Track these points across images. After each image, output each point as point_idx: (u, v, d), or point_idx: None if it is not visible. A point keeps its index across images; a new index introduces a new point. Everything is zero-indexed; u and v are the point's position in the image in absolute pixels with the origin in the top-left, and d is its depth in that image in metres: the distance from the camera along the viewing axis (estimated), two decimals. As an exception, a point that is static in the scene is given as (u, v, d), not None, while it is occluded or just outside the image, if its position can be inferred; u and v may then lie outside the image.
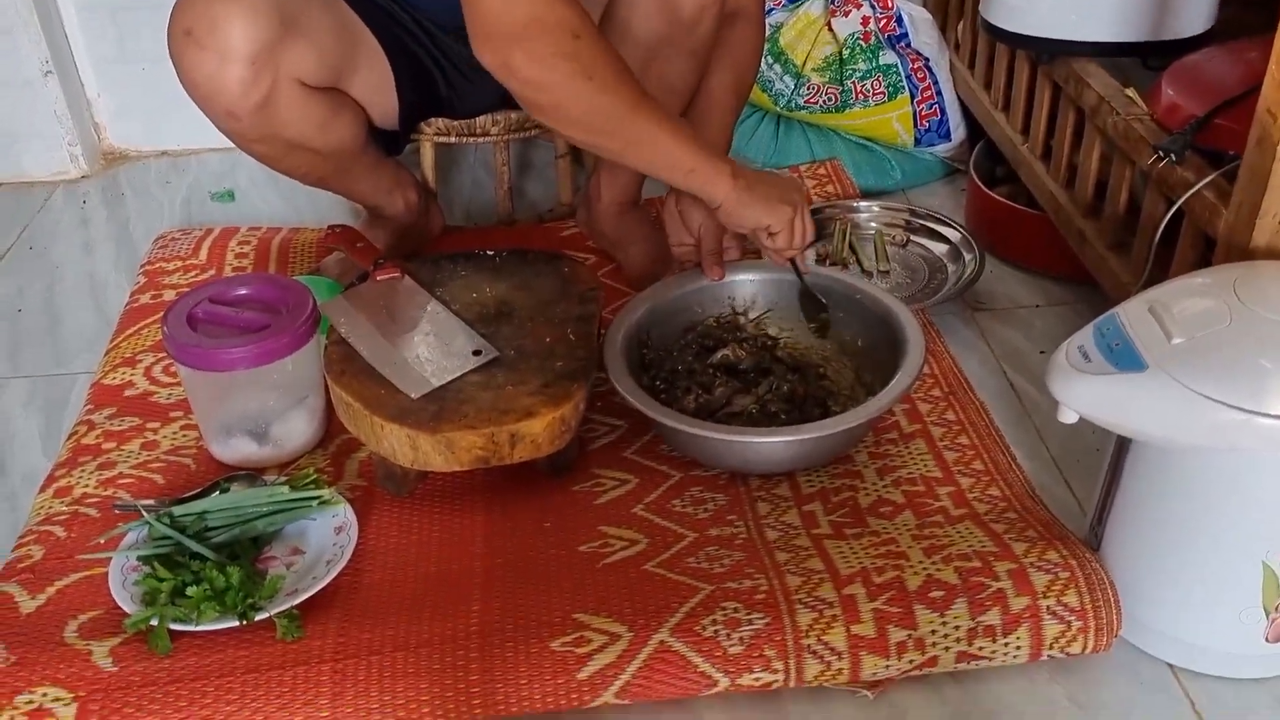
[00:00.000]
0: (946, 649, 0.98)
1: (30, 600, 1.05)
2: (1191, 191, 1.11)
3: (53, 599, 1.05)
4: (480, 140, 1.58)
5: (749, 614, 0.99)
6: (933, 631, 0.98)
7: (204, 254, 1.58)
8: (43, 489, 1.19)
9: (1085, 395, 0.93)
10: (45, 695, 0.94)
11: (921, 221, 1.57)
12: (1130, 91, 1.32)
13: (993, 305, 1.49)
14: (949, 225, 1.55)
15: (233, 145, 1.32)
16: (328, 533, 1.09)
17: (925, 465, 1.18)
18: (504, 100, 1.49)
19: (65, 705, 0.93)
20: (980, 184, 1.60)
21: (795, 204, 1.21)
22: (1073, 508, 1.16)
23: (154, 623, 0.98)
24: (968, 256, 1.50)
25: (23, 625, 1.02)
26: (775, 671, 0.96)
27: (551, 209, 1.71)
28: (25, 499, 1.20)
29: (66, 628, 1.01)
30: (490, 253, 1.32)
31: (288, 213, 1.77)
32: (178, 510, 1.09)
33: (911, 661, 0.98)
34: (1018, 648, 0.98)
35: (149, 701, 0.94)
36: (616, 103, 1.09)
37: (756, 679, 0.96)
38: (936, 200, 1.73)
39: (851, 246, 1.55)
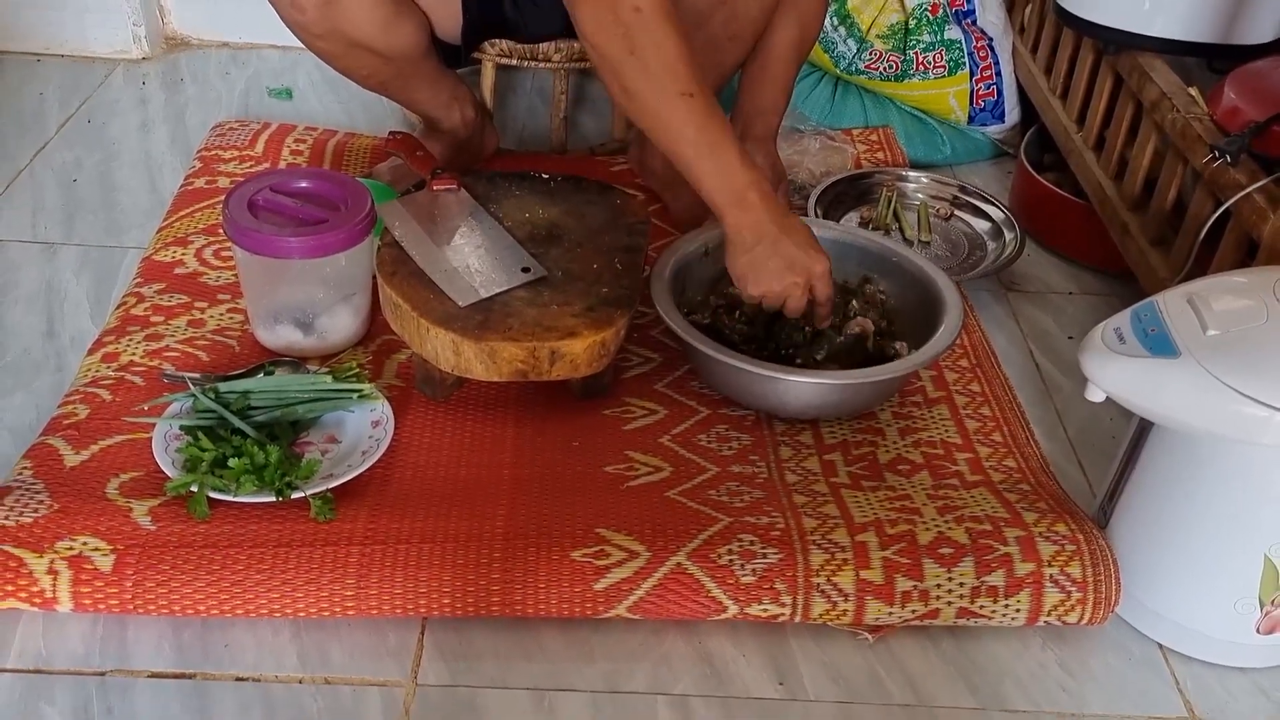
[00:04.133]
0: (949, 604, 1.01)
1: (74, 455, 1.09)
2: (1242, 194, 1.13)
3: (96, 456, 1.09)
4: (541, 66, 1.60)
5: (764, 548, 1.02)
6: (938, 585, 1.01)
7: (260, 146, 1.60)
8: (90, 352, 1.22)
9: (1116, 375, 0.95)
10: (85, 544, 0.98)
11: (968, 198, 1.59)
12: (1192, 90, 1.33)
13: (1027, 287, 1.51)
14: (994, 204, 1.57)
15: (294, 43, 1.34)
16: (364, 425, 1.13)
17: (946, 430, 1.21)
18: (568, 29, 1.49)
19: (104, 555, 0.97)
20: (1029, 168, 1.61)
21: (778, 294, 1.13)
22: (1083, 488, 1.19)
23: (194, 489, 1.02)
24: (1009, 236, 1.52)
25: (66, 477, 1.06)
26: (783, 605, 1.00)
27: (604, 143, 1.73)
28: (73, 360, 1.24)
29: (108, 484, 1.05)
30: (545, 176, 1.34)
31: (342, 118, 1.79)
32: (223, 386, 1.12)
33: (914, 611, 1.01)
34: (1017, 610, 1.02)
35: (183, 561, 0.98)
36: (653, 90, 1.07)
37: (764, 610, 1.00)
38: (981, 180, 1.74)
39: (896, 214, 1.57)
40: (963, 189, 1.61)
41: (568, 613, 0.99)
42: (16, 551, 0.97)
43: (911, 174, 1.63)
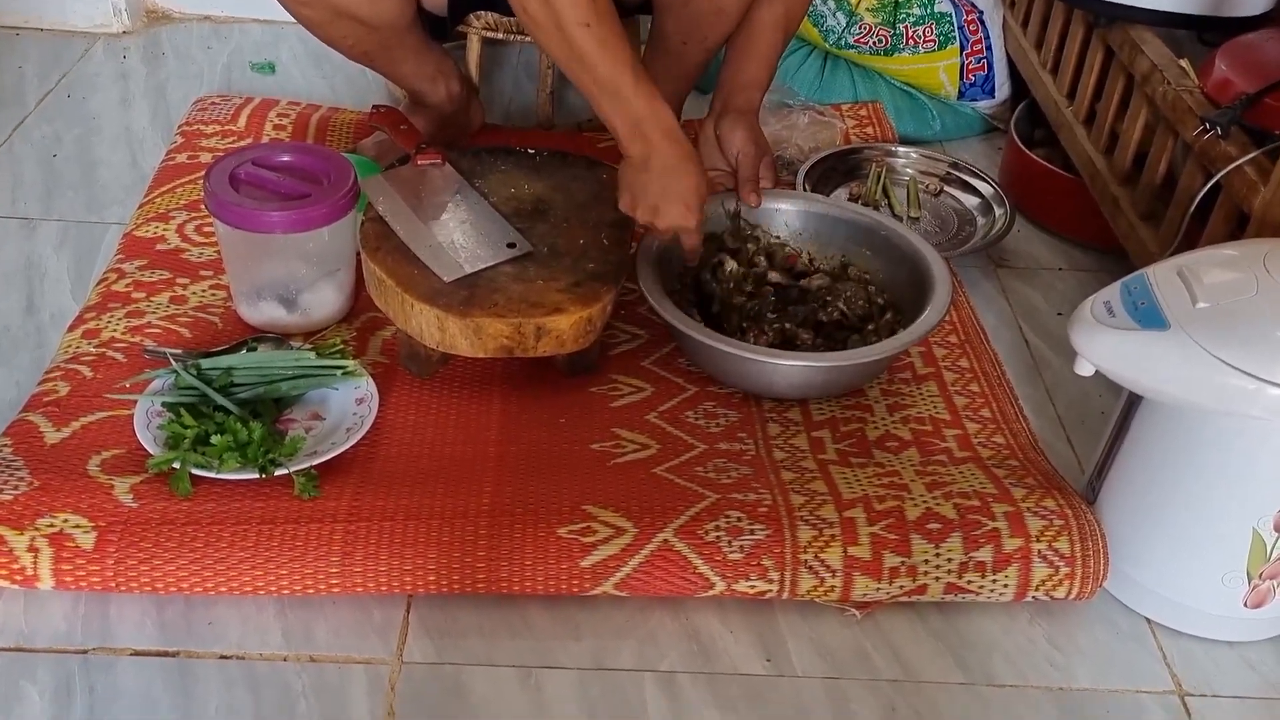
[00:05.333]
0: (937, 579, 1.01)
1: (55, 432, 1.07)
2: (1232, 166, 1.13)
3: (77, 433, 1.07)
4: (527, 40, 1.58)
5: (751, 524, 1.02)
6: (925, 561, 1.01)
7: (243, 121, 1.58)
8: (71, 329, 1.21)
9: (1105, 348, 0.95)
10: (66, 521, 0.97)
11: (958, 174, 1.58)
12: (1184, 63, 1.32)
13: (1016, 264, 1.51)
14: (984, 180, 1.56)
15: (278, 16, 1.32)
16: (349, 402, 1.12)
17: (935, 407, 1.21)
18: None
19: (85, 533, 0.96)
20: (1019, 143, 1.60)
21: (665, 221, 1.16)
22: (1072, 464, 1.18)
23: (177, 466, 1.00)
24: (998, 212, 1.51)
25: (46, 454, 1.05)
26: (771, 582, 1.00)
27: (590, 118, 1.70)
28: (53, 336, 1.22)
29: (89, 461, 1.04)
30: (531, 151, 1.33)
31: (326, 92, 1.77)
32: (205, 363, 1.11)
33: (902, 587, 1.01)
34: (1005, 586, 1.02)
35: (165, 539, 0.97)
36: (553, 20, 1.08)
37: (752, 586, 1.00)
38: (971, 155, 1.73)
39: (885, 190, 1.56)
40: (953, 164, 1.60)
41: (554, 590, 0.99)
42: (-4, 529, 0.96)
43: (901, 149, 1.62)
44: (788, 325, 1.21)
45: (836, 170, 1.57)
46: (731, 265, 1.26)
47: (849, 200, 1.54)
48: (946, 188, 1.58)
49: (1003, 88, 1.78)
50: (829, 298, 1.24)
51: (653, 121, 1.13)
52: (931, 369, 1.26)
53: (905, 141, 1.69)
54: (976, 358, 1.29)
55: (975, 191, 1.56)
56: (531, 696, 0.93)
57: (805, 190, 1.48)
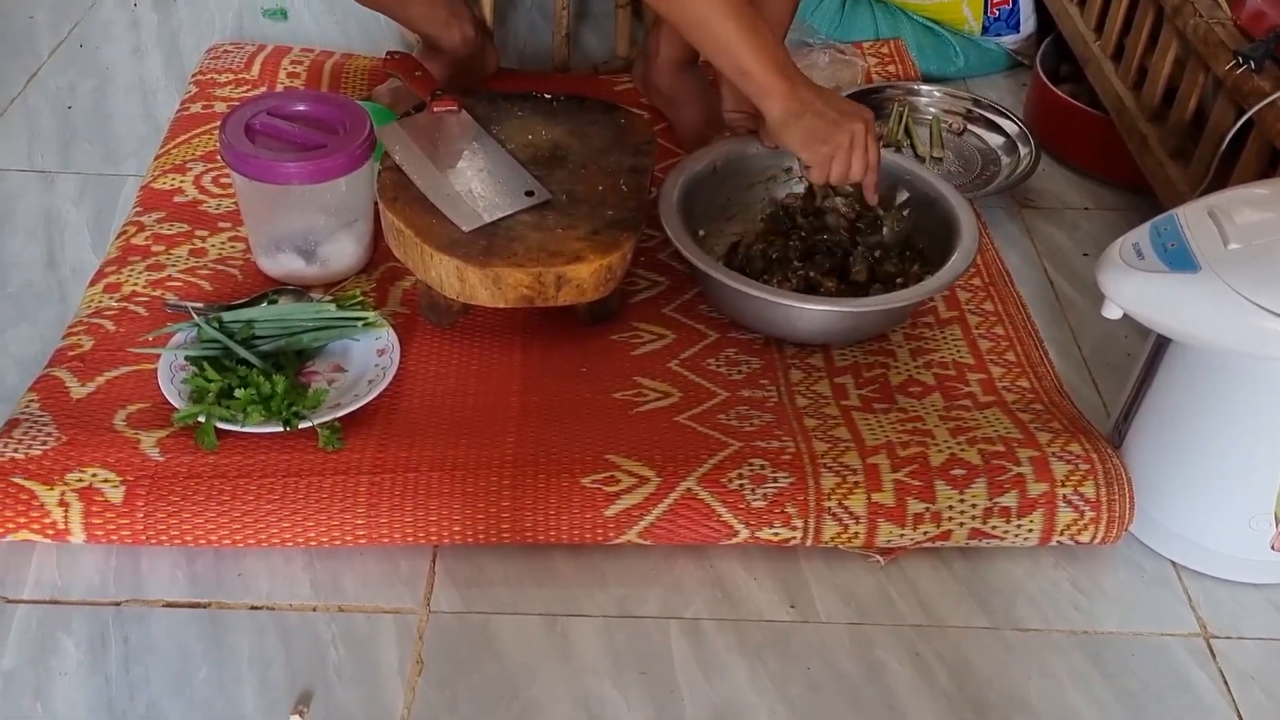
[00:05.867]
0: (961, 525, 1.01)
1: (80, 387, 1.08)
2: (1266, 102, 1.10)
3: (102, 388, 1.08)
4: (542, -19, 1.56)
5: (774, 472, 1.02)
6: (950, 507, 1.01)
7: (256, 69, 1.57)
8: (93, 283, 1.21)
9: (1134, 291, 0.93)
10: (95, 475, 0.98)
11: (982, 112, 1.55)
12: (1216, -5, 1.29)
13: (1041, 203, 1.48)
14: (1008, 118, 1.53)
15: (292, -40, 1.31)
16: (370, 354, 1.12)
17: (958, 351, 1.20)
18: (571, -59, 1.45)
19: (114, 487, 0.97)
20: (1045, 79, 1.57)
21: (839, 145, 1.15)
22: (1098, 408, 1.18)
23: (202, 419, 1.01)
24: (1023, 151, 1.48)
25: (73, 409, 1.05)
26: (794, 529, 1.00)
27: (607, 61, 1.69)
28: (74, 291, 1.23)
29: (115, 416, 1.05)
30: (548, 96, 1.31)
31: (338, 38, 1.75)
32: (227, 316, 1.11)
33: (926, 533, 1.01)
34: (1029, 531, 1.02)
35: (193, 492, 0.97)
36: None
37: (775, 534, 1.00)
38: (996, 93, 1.70)
39: (907, 130, 1.53)
40: (976, 102, 1.57)
41: (578, 539, 0.99)
42: (27, 484, 0.97)
43: (924, 88, 1.59)
44: (811, 274, 1.20)
45: (858, 110, 1.54)
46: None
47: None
48: (970, 126, 1.55)
49: (1028, 22, 1.74)
50: (856, 249, 1.23)
51: (793, 65, 1.14)
52: (955, 313, 1.25)
53: (928, 79, 1.66)
54: (1001, 300, 1.27)
55: (1000, 130, 1.53)
56: (558, 644, 0.94)
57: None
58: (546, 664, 0.93)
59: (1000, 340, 1.22)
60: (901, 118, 1.54)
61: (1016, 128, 1.51)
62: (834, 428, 1.08)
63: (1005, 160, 1.50)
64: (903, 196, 1.26)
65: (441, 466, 1.01)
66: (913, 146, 1.52)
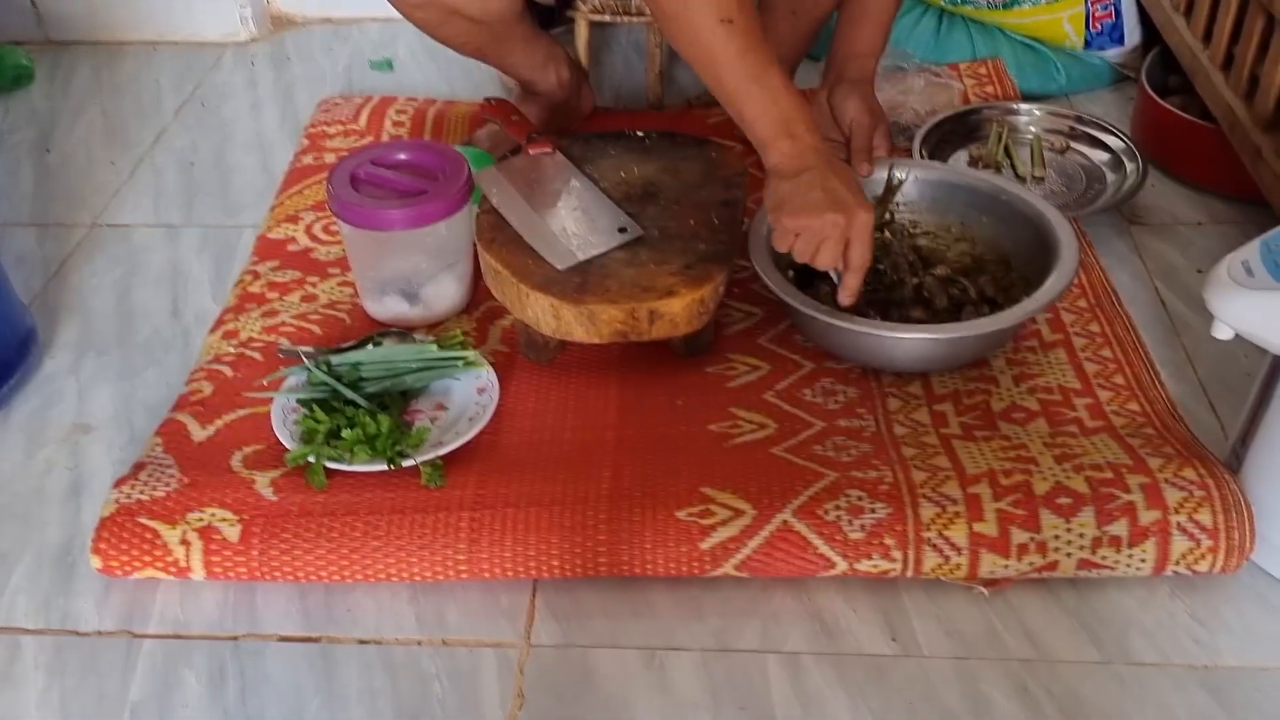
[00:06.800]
0: (1069, 555, 0.98)
1: (201, 430, 1.13)
2: (1386, 108, 1.05)
3: (221, 431, 1.13)
4: (634, 20, 1.58)
5: (872, 503, 1.00)
6: (1056, 536, 0.98)
7: (364, 120, 1.63)
8: (213, 330, 1.27)
9: (1244, 311, 0.90)
10: (214, 515, 1.03)
11: (1085, 129, 1.51)
12: (1330, -2, 1.23)
13: (1151, 220, 1.44)
14: (1113, 134, 1.49)
15: (394, 14, 1.36)
16: (470, 392, 1.15)
17: (1064, 375, 1.17)
18: (662, -20, 1.48)
19: (230, 526, 1.02)
20: (1151, 93, 1.52)
21: (811, 228, 1.04)
22: (1215, 430, 1.13)
23: (312, 459, 1.05)
24: (1130, 166, 1.44)
25: (194, 452, 1.11)
26: (893, 560, 0.98)
27: (700, 95, 1.70)
28: (196, 338, 1.29)
29: (232, 457, 1.10)
30: (640, 134, 1.33)
31: (442, 85, 1.81)
32: (335, 359, 1.15)
33: (1031, 564, 0.98)
34: (1142, 560, 0.98)
35: (304, 530, 1.01)
36: (691, 16, 1.03)
37: (874, 566, 0.99)
38: (1101, 108, 1.66)
39: (1007, 150, 1.51)
40: (1079, 119, 1.53)
41: (674, 572, 1.00)
42: (152, 524, 1.02)
43: (1023, 106, 1.56)
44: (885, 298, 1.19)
45: (955, 133, 1.52)
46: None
47: (969, 163, 1.50)
48: (1073, 144, 1.51)
49: (1132, 34, 1.69)
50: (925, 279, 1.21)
51: (799, 116, 1.06)
52: (1060, 335, 1.22)
53: (1028, 98, 1.63)
54: (1108, 321, 1.24)
55: (1104, 146, 1.49)
56: (656, 677, 0.95)
57: (923, 156, 1.44)
58: (645, 698, 0.93)
59: (1108, 363, 1.18)
60: (1001, 138, 1.51)
61: (1122, 143, 1.47)
62: (933, 456, 1.06)
63: (1111, 177, 1.46)
64: (898, 177, 1.23)
65: (540, 501, 1.03)
66: (1013, 167, 1.49)
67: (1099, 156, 1.49)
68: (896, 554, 0.98)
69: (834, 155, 1.09)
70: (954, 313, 1.18)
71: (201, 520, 1.02)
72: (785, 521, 0.99)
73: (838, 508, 1.00)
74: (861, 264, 1.07)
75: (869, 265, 1.08)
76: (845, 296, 1.10)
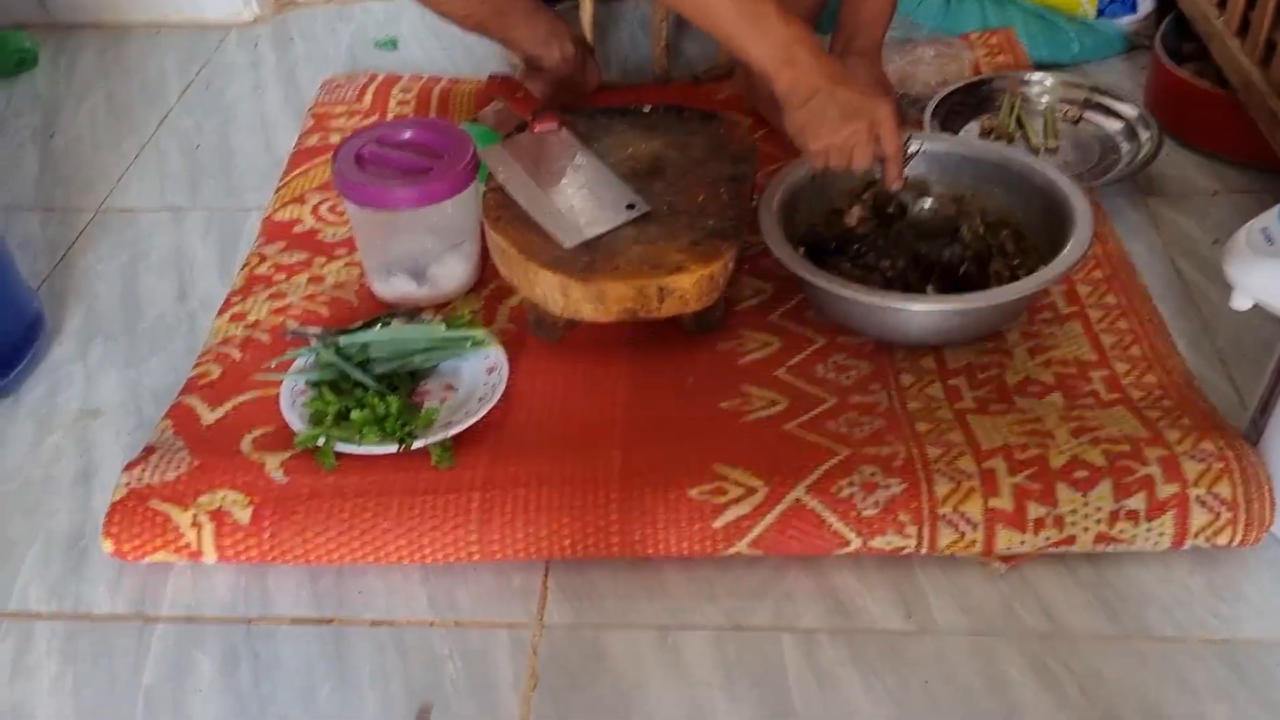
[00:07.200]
0: (1086, 529, 0.97)
1: (210, 413, 1.13)
2: None
3: (230, 414, 1.13)
4: (640, -5, 1.56)
5: (886, 479, 0.99)
6: (1073, 511, 0.97)
7: (368, 99, 1.62)
8: (220, 313, 1.27)
9: (1264, 279, 0.89)
10: (225, 498, 1.02)
11: (1098, 98, 1.49)
12: (1350, -40, 1.21)
13: (1166, 190, 1.42)
14: (1128, 103, 1.47)
15: (397, -11, 1.35)
16: (479, 372, 1.14)
17: (1079, 348, 1.15)
18: (666, -47, 1.46)
19: (242, 508, 1.01)
20: (1166, 60, 1.50)
21: (845, 137, 1.08)
22: (1234, 402, 1.11)
23: (321, 442, 1.05)
24: (1144, 135, 1.42)
25: (204, 435, 1.10)
26: (908, 537, 0.97)
27: (708, 69, 1.68)
28: (203, 322, 1.29)
29: (243, 440, 1.09)
30: (646, 109, 1.32)
31: (446, 63, 1.79)
32: (343, 340, 1.14)
33: (1048, 539, 0.97)
34: (1160, 534, 0.97)
35: (315, 512, 1.01)
36: None
37: (889, 543, 0.98)
38: (1114, 77, 1.63)
39: (1019, 121, 1.49)
40: (1093, 89, 1.51)
41: (687, 551, 0.99)
42: (163, 507, 1.02)
43: (1035, 76, 1.54)
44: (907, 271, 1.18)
45: (966, 104, 1.50)
46: (854, 221, 1.23)
47: (981, 135, 1.48)
48: (1087, 114, 1.49)
49: (1145, 1, 1.66)
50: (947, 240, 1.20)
51: (800, 43, 1.07)
52: (1075, 307, 1.21)
53: (1040, 67, 1.60)
54: (1124, 293, 1.22)
55: (1118, 115, 1.47)
56: (670, 657, 0.94)
57: (934, 128, 1.42)
58: (658, 677, 0.93)
59: (1125, 334, 1.17)
60: (1013, 109, 1.49)
61: (1136, 112, 1.45)
62: (947, 431, 1.05)
63: (1125, 147, 1.43)
64: (912, 147, 1.21)
65: (550, 481, 1.02)
66: (1025, 137, 1.47)
67: (1113, 126, 1.47)
68: (911, 530, 0.97)
69: (839, 66, 1.11)
70: (980, 279, 1.16)
71: (213, 503, 1.02)
72: (798, 499, 0.98)
73: (851, 484, 0.99)
74: (895, 150, 1.11)
75: (903, 148, 1.12)
76: (893, 181, 1.15)
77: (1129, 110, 1.46)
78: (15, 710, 0.93)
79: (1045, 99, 1.52)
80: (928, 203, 1.24)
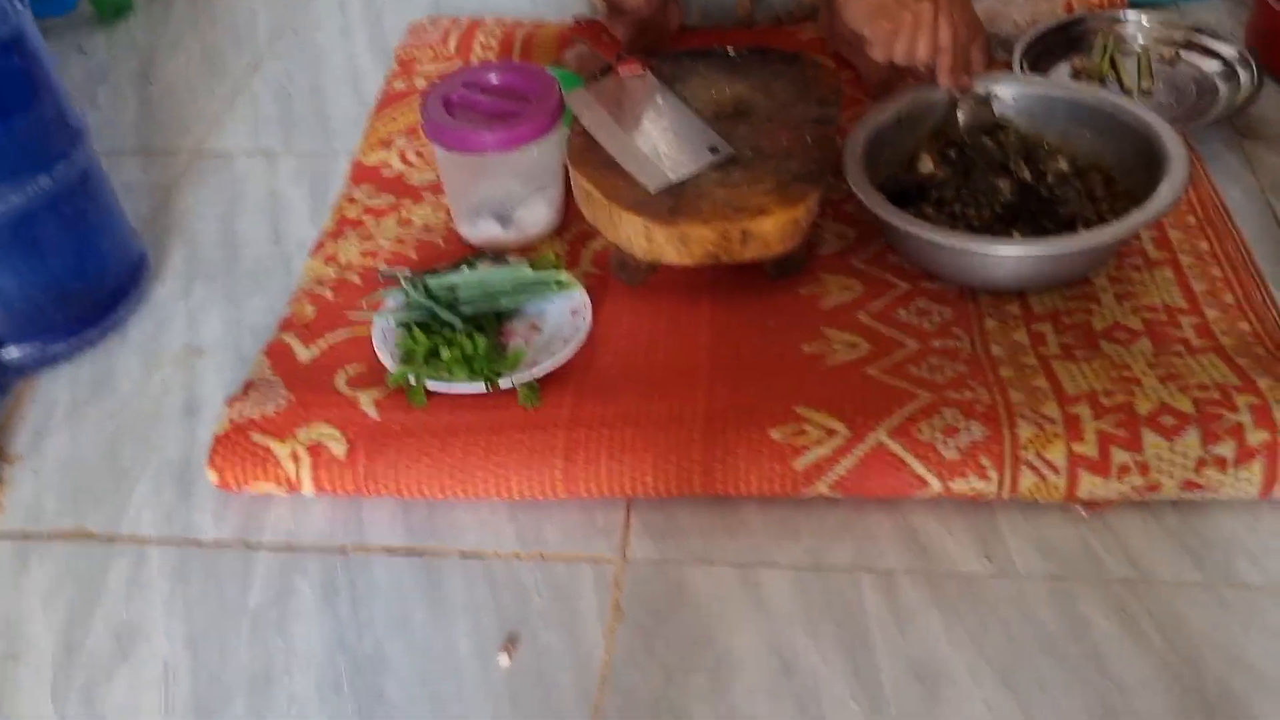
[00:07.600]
0: (1171, 476, 0.96)
1: (305, 351, 1.17)
2: None
3: (325, 352, 1.17)
4: (724, -65, 1.55)
5: (968, 423, 1.00)
6: (1159, 457, 0.96)
7: (452, 44, 1.63)
8: (313, 254, 1.31)
9: (1368, 225, 0.86)
10: (321, 432, 1.06)
11: (1196, 38, 1.45)
12: None
13: (1266, 133, 1.37)
14: (1227, 43, 1.42)
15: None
16: (564, 314, 1.16)
17: (1170, 294, 1.13)
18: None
19: (337, 443, 1.05)
20: (1270, -3, 1.45)
21: (903, 22, 1.09)
22: (1330, 350, 1.09)
23: (412, 380, 1.08)
24: (1244, 76, 1.38)
25: (300, 372, 1.14)
26: (989, 480, 0.98)
27: (791, 11, 1.66)
28: (297, 263, 1.32)
29: (337, 377, 1.13)
30: (730, 52, 1.31)
31: (528, 6, 1.79)
32: (431, 281, 1.17)
33: (1133, 486, 0.97)
34: (1248, 482, 0.96)
35: (407, 447, 1.04)
36: None
37: (969, 486, 0.98)
38: (1214, 17, 1.58)
39: (1112, 62, 1.45)
40: (1191, 28, 1.46)
41: (768, 491, 1.00)
42: (263, 440, 1.06)
43: (1130, 15, 1.49)
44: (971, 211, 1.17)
45: (1058, 45, 1.47)
46: (929, 168, 1.21)
47: (1072, 76, 1.44)
48: (1183, 54, 1.45)
49: (1251, -65, 1.60)
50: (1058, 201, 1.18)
51: None
52: (1166, 253, 1.19)
53: (1135, 6, 1.56)
54: (1217, 239, 1.20)
55: (1216, 56, 1.42)
56: (750, 593, 0.96)
57: (1024, 69, 1.39)
58: (739, 613, 0.95)
59: (1217, 281, 1.14)
60: (1106, 49, 1.45)
61: (1236, 52, 1.41)
62: (1032, 377, 1.05)
63: (1223, 88, 1.39)
64: (983, 92, 1.21)
65: (634, 421, 1.04)
66: (1119, 80, 1.43)
67: (1210, 66, 1.42)
68: (992, 474, 0.97)
69: None
70: (1068, 224, 1.15)
71: (310, 437, 1.06)
72: (879, 441, 0.99)
73: (932, 427, 1.00)
74: (949, 41, 1.12)
75: (965, 50, 1.14)
76: (946, 77, 1.17)
77: (1228, 50, 1.42)
78: (131, 627, 0.98)
79: (1140, 39, 1.48)
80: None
